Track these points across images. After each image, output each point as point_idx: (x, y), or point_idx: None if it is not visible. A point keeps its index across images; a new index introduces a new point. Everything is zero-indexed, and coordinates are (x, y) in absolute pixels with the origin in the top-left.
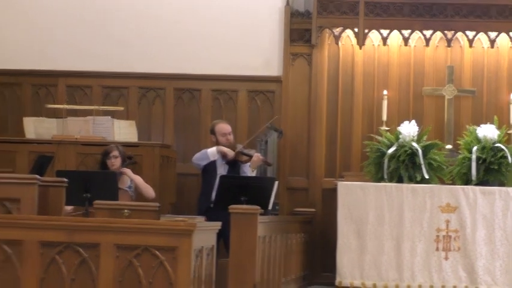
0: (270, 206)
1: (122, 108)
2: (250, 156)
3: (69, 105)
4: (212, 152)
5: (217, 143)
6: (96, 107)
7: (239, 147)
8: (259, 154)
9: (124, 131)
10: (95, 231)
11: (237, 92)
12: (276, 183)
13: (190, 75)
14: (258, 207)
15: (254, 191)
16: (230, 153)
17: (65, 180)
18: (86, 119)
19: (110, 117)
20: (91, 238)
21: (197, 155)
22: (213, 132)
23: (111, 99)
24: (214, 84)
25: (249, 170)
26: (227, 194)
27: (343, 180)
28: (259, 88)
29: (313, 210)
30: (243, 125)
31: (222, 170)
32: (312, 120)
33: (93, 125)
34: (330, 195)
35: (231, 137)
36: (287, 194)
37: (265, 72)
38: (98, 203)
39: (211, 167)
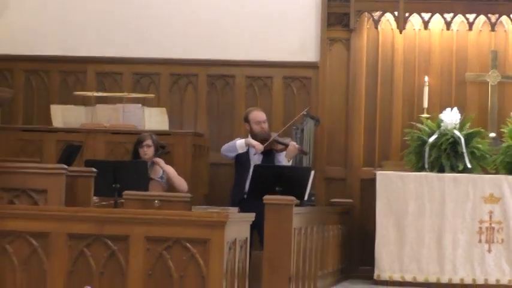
0: (306, 197)
1: (152, 96)
2: (286, 145)
3: (98, 93)
4: (241, 144)
5: (251, 131)
6: (126, 94)
7: (274, 135)
8: (294, 143)
9: (155, 119)
10: (124, 223)
11: (272, 79)
12: (312, 173)
13: (224, 61)
14: (293, 197)
15: (289, 181)
16: (259, 147)
17: (94, 170)
18: (116, 106)
19: (140, 104)
20: (120, 230)
21: (225, 147)
22: (247, 120)
23: (142, 86)
24: (249, 70)
25: (284, 160)
26: (261, 184)
27: (382, 170)
28: (295, 74)
29: (351, 201)
30: (278, 113)
31: (256, 159)
32: (350, 108)
33: (123, 113)
34: (369, 186)
35: (265, 125)
36: (324, 184)
37: (301, 58)
38: (127, 193)
39: (244, 156)
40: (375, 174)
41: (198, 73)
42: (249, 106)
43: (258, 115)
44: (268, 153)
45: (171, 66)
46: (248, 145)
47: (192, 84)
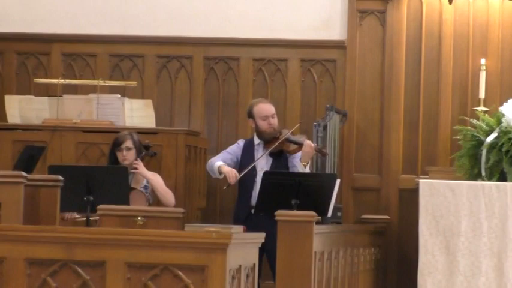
0: (330, 212)
1: (135, 84)
2: (300, 145)
3: (66, 80)
4: (214, 168)
5: (257, 129)
6: (102, 81)
7: (285, 132)
8: (310, 142)
9: (138, 113)
10: (99, 246)
11: (286, 62)
12: (338, 181)
13: (226, 40)
14: (314, 213)
15: (309, 192)
16: (231, 174)
17: (60, 178)
18: (88, 97)
19: (119, 95)
20: (94, 254)
21: (210, 162)
22: (251, 115)
23: (121, 72)
24: (257, 51)
25: (299, 164)
26: (273, 196)
27: (426, 178)
28: (316, 56)
29: (387, 217)
30: (294, 105)
31: (263, 164)
32: (386, 98)
33: (98, 106)
34: (410, 198)
35: (274, 121)
36: (352, 195)
37: (323, 36)
38: (103, 207)
39: (247, 160)
40: (417, 184)
41: (192, 55)
42: (257, 96)
43: (264, 108)
44: (279, 156)
45: (159, 46)
46: (221, 172)
47: (185, 69)
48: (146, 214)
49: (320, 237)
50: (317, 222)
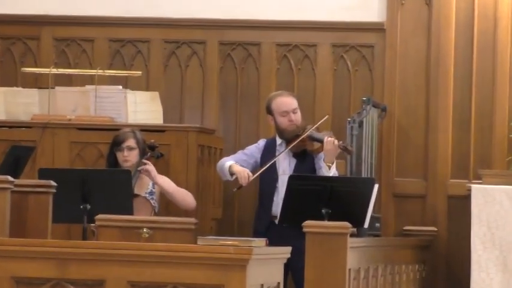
0: (367, 223)
1: (139, 73)
2: (321, 142)
3: (59, 69)
4: (225, 169)
5: (276, 127)
6: (100, 71)
7: (309, 128)
8: (332, 138)
9: (142, 107)
10: (97, 262)
11: (315, 48)
12: (376, 187)
13: (245, 22)
14: (349, 224)
15: (342, 200)
16: (242, 174)
17: (53, 183)
18: (85, 89)
19: (120, 86)
20: (92, 272)
21: (221, 163)
22: (269, 110)
23: (123, 60)
24: (281, 35)
25: (324, 165)
26: (300, 204)
27: (479, 183)
28: (351, 41)
29: (434, 229)
30: (324, 98)
31: (286, 166)
32: (433, 90)
33: (96, 100)
34: (460, 206)
35: (296, 116)
36: (393, 203)
37: (359, 17)
38: (102, 217)
39: (268, 162)
40: (469, 190)
41: (206, 40)
42: (280, 88)
43: (283, 102)
44: (304, 157)
45: (166, 29)
46: (232, 173)
47: (197, 57)
48: (152, 225)
49: (355, 252)
50: (352, 235)
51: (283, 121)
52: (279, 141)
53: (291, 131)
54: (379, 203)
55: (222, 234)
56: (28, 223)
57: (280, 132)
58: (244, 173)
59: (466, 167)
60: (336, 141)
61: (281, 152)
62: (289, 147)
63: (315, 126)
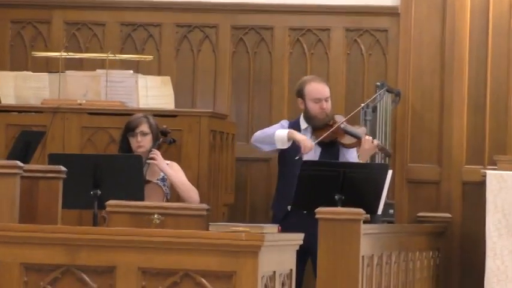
0: (381, 210)
1: (151, 58)
2: (358, 139)
3: (69, 53)
4: (281, 137)
5: (305, 113)
6: (111, 55)
7: (340, 120)
8: (371, 138)
9: (154, 92)
10: (108, 248)
11: (329, 32)
12: (390, 173)
13: (257, 6)
14: (362, 210)
15: (355, 186)
16: (306, 145)
17: (63, 168)
18: (96, 74)
19: (131, 71)
20: (102, 259)
21: (259, 134)
22: (300, 94)
23: (134, 44)
24: (294, 19)
25: (355, 161)
26: (312, 190)
27: (495, 169)
28: (364, 25)
29: (448, 215)
30: (338, 83)
31: (310, 154)
32: (447, 75)
33: (107, 84)
34: (475, 192)
35: (327, 105)
36: (407, 190)
37: (373, 1)
38: (113, 203)
39: (292, 150)
40: (484, 176)
41: (218, 23)
42: (294, 72)
43: (317, 89)
44: (331, 147)
45: (178, 13)
46: (292, 140)
47: (209, 40)
48: (164, 211)
49: (369, 238)
50: (365, 221)
51: (314, 108)
52: (303, 125)
53: (321, 119)
54: (393, 189)
55: (234, 220)
56: (38, 209)
57: (309, 118)
58: (308, 142)
59: (481, 152)
60: (375, 141)
61: (318, 140)
62: (322, 137)
63: (347, 118)
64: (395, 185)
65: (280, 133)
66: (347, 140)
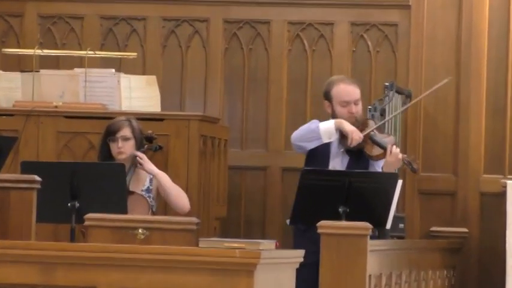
0: (389, 224)
1: (134, 55)
2: (384, 150)
3: (44, 50)
4: (327, 129)
5: (333, 116)
6: (91, 52)
7: (371, 126)
8: (398, 150)
9: (138, 93)
10: (87, 267)
11: (332, 26)
12: (400, 182)
13: None
14: (369, 224)
15: (361, 197)
16: (355, 135)
17: (37, 178)
18: (73, 73)
19: (113, 70)
20: (81, 278)
21: (300, 132)
22: (328, 96)
23: (116, 39)
24: (293, 12)
25: None
26: (314, 201)
27: None
28: (372, 19)
29: (465, 230)
30: None
31: (337, 162)
32: (463, 74)
33: (85, 84)
34: (494, 205)
35: (357, 108)
36: (419, 201)
37: None
38: (92, 217)
39: (320, 155)
40: (504, 186)
41: (209, 17)
42: (293, 71)
43: (346, 90)
44: (360, 155)
45: (165, 5)
46: (339, 130)
47: (199, 36)
48: (149, 225)
49: (376, 255)
50: (372, 237)
51: (342, 111)
52: None
53: (351, 124)
54: (403, 201)
55: (226, 235)
56: (10, 223)
57: None
58: (357, 134)
59: (501, 160)
60: (401, 155)
61: (342, 150)
62: (349, 146)
63: (378, 125)
64: (406, 196)
65: (325, 125)
66: (374, 150)
